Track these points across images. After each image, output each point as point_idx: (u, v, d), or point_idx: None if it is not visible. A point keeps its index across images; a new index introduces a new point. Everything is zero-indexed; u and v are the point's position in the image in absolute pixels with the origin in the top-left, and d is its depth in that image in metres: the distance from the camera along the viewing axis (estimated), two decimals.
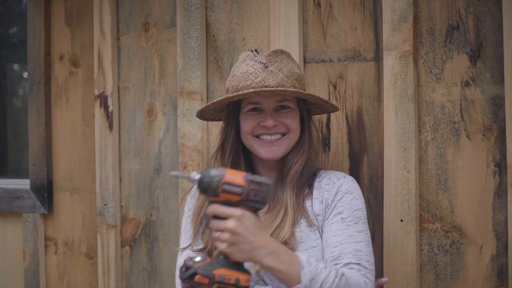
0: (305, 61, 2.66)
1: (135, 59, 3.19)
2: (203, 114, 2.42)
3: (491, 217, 2.31)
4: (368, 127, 2.54)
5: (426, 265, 2.42)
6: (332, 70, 2.62)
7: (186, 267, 1.83)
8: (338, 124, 2.60)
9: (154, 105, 3.12)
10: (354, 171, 2.56)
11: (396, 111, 2.43)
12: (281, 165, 2.28)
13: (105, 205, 3.25)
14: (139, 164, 3.18)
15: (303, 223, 2.17)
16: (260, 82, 2.20)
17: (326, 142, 2.62)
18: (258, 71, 2.22)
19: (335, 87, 2.61)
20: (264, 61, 2.23)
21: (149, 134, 3.14)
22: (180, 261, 2.25)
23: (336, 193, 2.18)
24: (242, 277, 1.83)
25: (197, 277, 1.79)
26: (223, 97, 2.22)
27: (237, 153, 2.30)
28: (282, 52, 2.27)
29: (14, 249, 3.71)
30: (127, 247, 3.23)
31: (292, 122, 2.25)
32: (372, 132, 2.54)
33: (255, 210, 1.88)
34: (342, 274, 1.95)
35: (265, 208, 2.23)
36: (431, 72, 2.41)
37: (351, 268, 2.03)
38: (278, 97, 2.23)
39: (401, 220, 2.43)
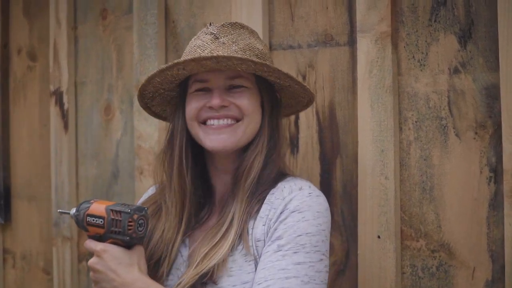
0: (271, 48, 2.28)
1: (92, 51, 2.83)
2: (151, 108, 2.02)
3: (485, 234, 1.91)
4: (342, 124, 2.16)
5: None
6: (301, 58, 2.23)
7: None
8: (308, 122, 2.21)
9: (112, 101, 2.76)
10: (326, 177, 2.17)
11: (372, 105, 2.04)
12: (238, 166, 1.84)
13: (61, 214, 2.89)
14: (96, 169, 2.82)
15: (239, 249, 1.72)
16: (207, 54, 1.75)
17: (294, 143, 2.24)
18: (207, 43, 1.79)
19: (304, 77, 2.22)
20: (214, 32, 1.81)
21: (107, 134, 2.78)
22: None
23: (282, 212, 1.72)
24: None
25: None
26: (151, 74, 1.83)
27: (185, 150, 1.86)
28: (242, 26, 1.85)
29: None
30: (85, 262, 2.86)
31: (247, 103, 1.80)
32: (346, 130, 2.15)
33: (128, 244, 1.68)
34: None
35: (214, 220, 1.84)
36: (413, 57, 2.01)
37: None
38: (230, 73, 1.79)
39: (378, 237, 2.03)
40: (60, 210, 1.86)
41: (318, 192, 1.78)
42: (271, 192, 1.78)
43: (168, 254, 1.78)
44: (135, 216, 1.67)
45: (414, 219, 2.02)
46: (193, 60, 1.72)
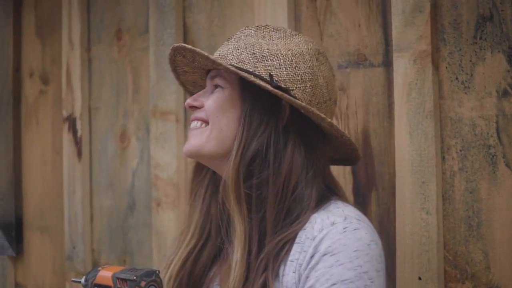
0: None
1: (106, 73, 2.70)
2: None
3: None
4: (377, 153, 1.99)
5: None
6: None
7: None
8: None
9: (127, 128, 2.61)
10: (360, 211, 1.98)
11: (411, 132, 1.87)
12: None
13: (74, 247, 2.74)
14: (111, 199, 2.67)
15: None
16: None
17: None
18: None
19: (335, 101, 2.04)
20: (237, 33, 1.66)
21: (122, 163, 2.63)
22: None
23: (312, 256, 1.45)
24: None
25: None
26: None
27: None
28: (265, 27, 1.64)
29: None
30: None
31: (211, 103, 1.55)
32: (381, 160, 1.98)
33: None
34: None
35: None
36: (456, 79, 1.83)
37: None
38: (212, 72, 1.61)
39: (419, 278, 1.86)
40: (73, 279, 1.74)
41: (356, 224, 1.50)
42: (303, 227, 1.51)
43: None
44: (143, 284, 1.51)
45: (459, 258, 1.83)
46: (172, 51, 1.62)
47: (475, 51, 1.80)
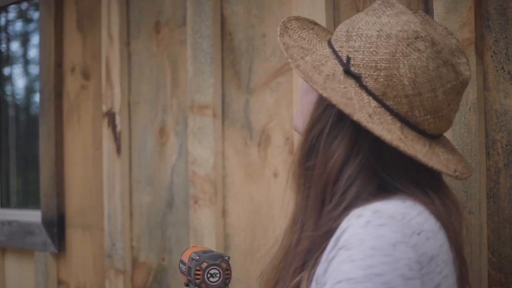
0: None
1: (145, 67, 2.63)
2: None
3: None
4: None
5: None
6: None
7: None
8: None
9: (166, 123, 2.54)
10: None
11: (453, 125, 1.75)
12: None
13: (113, 245, 2.69)
14: (150, 196, 2.60)
15: None
16: None
17: None
18: None
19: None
20: None
21: (161, 159, 2.56)
22: None
23: (333, 248, 1.29)
24: None
25: None
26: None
27: None
28: (387, 1, 1.44)
29: None
30: None
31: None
32: None
33: None
34: None
35: None
36: (502, 68, 1.71)
37: None
38: None
39: None
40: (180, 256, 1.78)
41: (385, 219, 1.27)
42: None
43: None
44: (204, 265, 1.56)
45: (504, 261, 1.71)
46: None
47: None
